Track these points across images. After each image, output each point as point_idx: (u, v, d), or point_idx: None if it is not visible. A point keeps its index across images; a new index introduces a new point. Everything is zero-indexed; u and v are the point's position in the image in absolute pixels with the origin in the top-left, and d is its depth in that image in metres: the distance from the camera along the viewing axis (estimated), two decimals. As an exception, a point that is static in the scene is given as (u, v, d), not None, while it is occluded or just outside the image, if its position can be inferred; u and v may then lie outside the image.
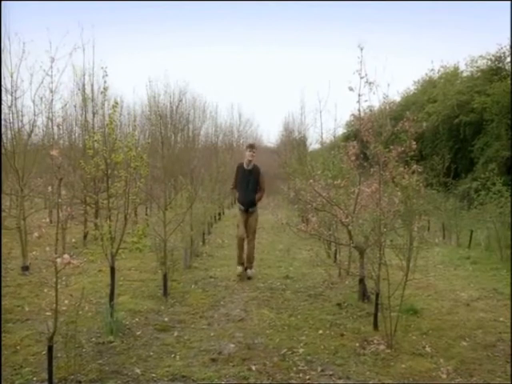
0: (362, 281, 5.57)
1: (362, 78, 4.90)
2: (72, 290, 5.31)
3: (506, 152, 14.81)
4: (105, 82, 5.26)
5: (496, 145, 15.54)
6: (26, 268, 6.87)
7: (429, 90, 22.23)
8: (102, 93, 5.79)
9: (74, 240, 7.97)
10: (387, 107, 5.02)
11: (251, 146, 7.23)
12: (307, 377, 3.52)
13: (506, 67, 17.07)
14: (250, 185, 6.93)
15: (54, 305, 3.07)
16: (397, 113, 15.37)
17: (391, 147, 4.83)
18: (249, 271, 7.03)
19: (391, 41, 39.89)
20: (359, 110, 5.20)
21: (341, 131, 21.09)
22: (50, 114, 8.85)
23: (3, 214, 8.28)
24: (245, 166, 7.01)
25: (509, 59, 17.06)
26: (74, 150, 11.08)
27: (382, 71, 4.84)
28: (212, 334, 4.45)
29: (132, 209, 5.47)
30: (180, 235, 7.47)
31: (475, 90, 17.26)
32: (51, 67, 7.20)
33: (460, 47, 46.50)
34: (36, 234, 3.08)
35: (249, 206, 6.96)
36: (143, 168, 4.87)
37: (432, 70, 24.51)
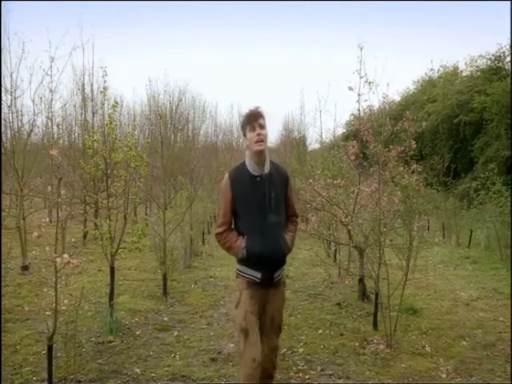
0: (361, 280, 5.57)
1: (361, 77, 4.91)
2: (72, 290, 5.30)
3: (505, 151, 14.81)
4: (104, 81, 5.29)
5: (496, 144, 15.54)
6: (25, 267, 6.87)
7: (428, 90, 22.27)
8: (101, 92, 5.80)
9: (73, 240, 7.97)
10: (387, 107, 5.03)
11: (255, 116, 2.78)
12: (307, 376, 3.52)
13: (506, 67, 17.07)
14: (272, 214, 2.77)
15: (54, 304, 3.07)
16: (396, 112, 15.42)
17: (391, 147, 4.84)
18: None
19: (391, 41, 39.88)
20: (359, 110, 5.21)
21: (340, 131, 21.09)
22: (50, 114, 8.87)
23: (3, 213, 8.28)
24: (251, 169, 2.81)
25: (508, 59, 17.07)
26: (74, 150, 11.10)
27: (381, 71, 4.86)
28: (212, 334, 4.45)
29: (131, 208, 5.46)
30: (180, 235, 7.47)
31: (475, 90, 17.26)
32: (51, 67, 7.21)
33: (460, 47, 46.54)
34: (36, 234, 3.08)
35: (276, 268, 2.83)
36: (143, 168, 4.88)
37: (432, 69, 24.62)
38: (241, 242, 2.73)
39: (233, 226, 2.83)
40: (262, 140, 2.71)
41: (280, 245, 2.76)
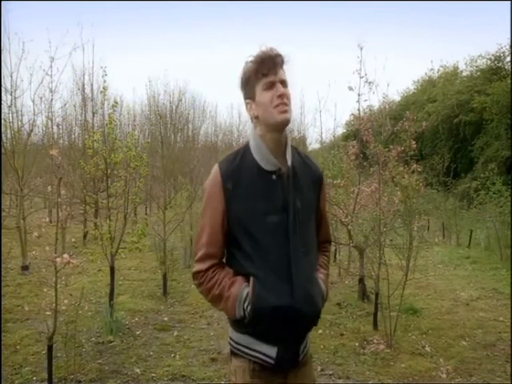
0: (361, 280, 5.57)
1: (361, 77, 4.92)
2: (72, 290, 5.30)
3: (505, 151, 14.84)
4: (104, 81, 5.28)
5: (496, 144, 15.57)
6: (25, 267, 6.87)
7: (428, 90, 22.32)
8: (101, 92, 5.78)
9: (73, 239, 7.96)
10: (387, 107, 5.03)
11: (273, 62, 1.43)
12: (307, 376, 3.52)
13: (506, 67, 17.11)
14: (297, 239, 1.45)
15: (54, 304, 3.07)
16: (396, 112, 15.44)
17: (391, 147, 4.84)
18: None
19: (391, 41, 39.90)
20: (359, 110, 5.21)
21: (340, 131, 21.09)
22: (50, 114, 8.84)
23: (3, 213, 8.28)
24: (260, 160, 1.47)
25: (508, 59, 17.10)
26: (74, 150, 11.09)
27: (381, 71, 4.87)
28: (212, 334, 4.45)
29: (131, 208, 5.47)
30: (180, 235, 7.47)
31: (475, 90, 17.30)
32: (51, 67, 7.19)
33: (460, 47, 46.59)
34: (36, 234, 3.09)
35: (304, 336, 1.52)
36: (143, 168, 4.88)
37: (432, 69, 24.72)
38: (240, 289, 1.43)
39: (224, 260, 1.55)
40: (286, 104, 1.45)
41: (314, 294, 1.48)
